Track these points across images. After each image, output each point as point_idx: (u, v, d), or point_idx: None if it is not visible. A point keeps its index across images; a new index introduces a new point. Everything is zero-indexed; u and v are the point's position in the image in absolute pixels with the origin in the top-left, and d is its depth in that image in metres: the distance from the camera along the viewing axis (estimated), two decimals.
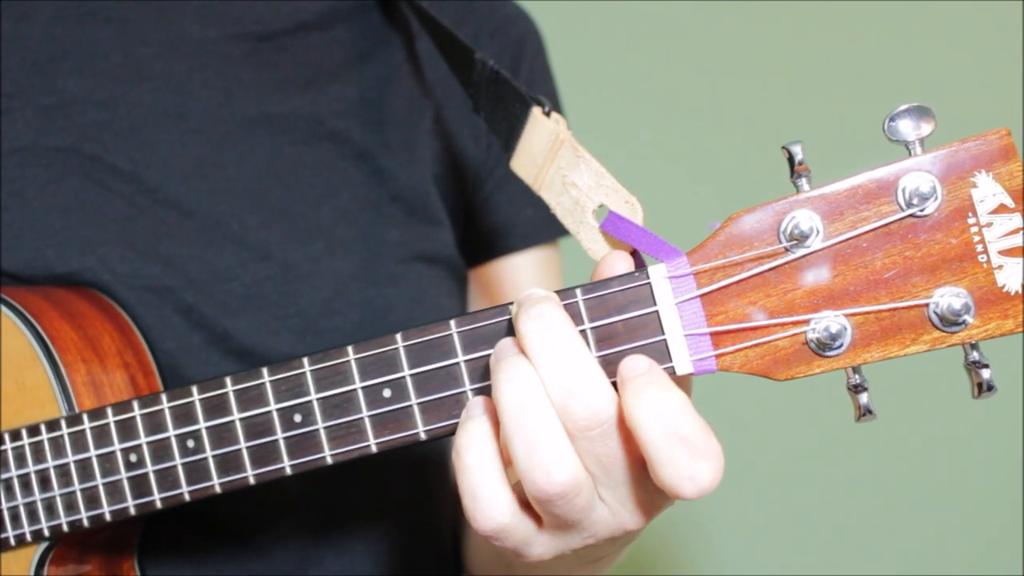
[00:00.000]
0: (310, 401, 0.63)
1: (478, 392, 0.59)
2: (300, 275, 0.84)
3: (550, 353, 0.53)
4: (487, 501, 0.55)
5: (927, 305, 0.54)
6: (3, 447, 0.72)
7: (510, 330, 0.59)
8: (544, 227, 0.96)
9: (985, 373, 0.55)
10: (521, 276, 0.97)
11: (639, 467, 0.55)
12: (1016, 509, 1.43)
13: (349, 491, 0.85)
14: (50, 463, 0.70)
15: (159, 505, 0.67)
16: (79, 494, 0.70)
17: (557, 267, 0.99)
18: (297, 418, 0.63)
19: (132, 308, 0.80)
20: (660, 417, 0.52)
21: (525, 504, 0.56)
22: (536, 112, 0.70)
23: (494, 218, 0.95)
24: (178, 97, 0.85)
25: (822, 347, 0.55)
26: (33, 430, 0.71)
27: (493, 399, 0.55)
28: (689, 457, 0.52)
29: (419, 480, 0.90)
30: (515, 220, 0.95)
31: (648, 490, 0.56)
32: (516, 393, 0.53)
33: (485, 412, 0.57)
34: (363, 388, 0.61)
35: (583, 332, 0.57)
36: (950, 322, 0.54)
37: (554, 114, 0.70)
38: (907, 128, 0.54)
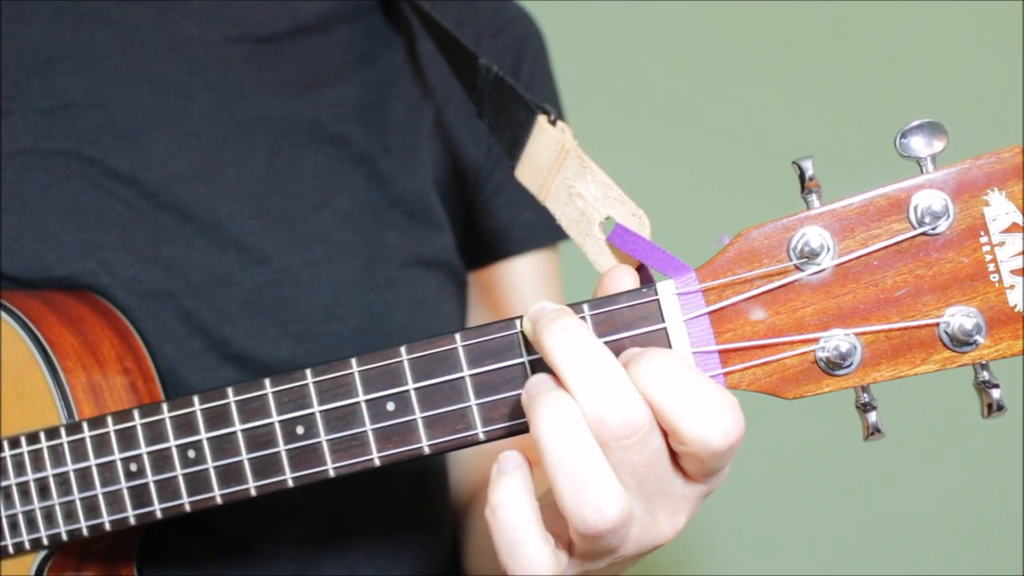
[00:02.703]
0: (313, 413, 0.62)
1: (482, 407, 0.59)
2: (299, 280, 0.84)
3: (580, 365, 0.52)
4: (529, 560, 0.54)
5: (938, 324, 0.54)
6: (2, 455, 0.72)
7: (515, 344, 0.58)
8: (543, 231, 0.95)
9: (995, 393, 0.54)
10: (520, 279, 0.96)
11: (671, 474, 0.54)
12: (1019, 516, 1.43)
13: (350, 499, 0.85)
14: (49, 471, 0.70)
15: (159, 515, 0.67)
16: (78, 503, 0.69)
17: (556, 271, 0.99)
18: (299, 430, 0.62)
19: (132, 312, 0.80)
20: (669, 376, 0.52)
21: (558, 538, 0.56)
22: (542, 120, 0.70)
23: (493, 221, 0.95)
24: (178, 100, 0.85)
25: (832, 366, 0.54)
26: (32, 438, 0.71)
27: (532, 436, 0.53)
28: (706, 406, 0.51)
29: (420, 488, 0.90)
30: (514, 223, 0.95)
31: (678, 496, 0.55)
32: (559, 431, 0.52)
33: (520, 467, 0.55)
34: (366, 401, 0.61)
35: None
36: (961, 342, 0.53)
37: (560, 123, 0.69)
38: (919, 145, 0.54)
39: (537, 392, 0.54)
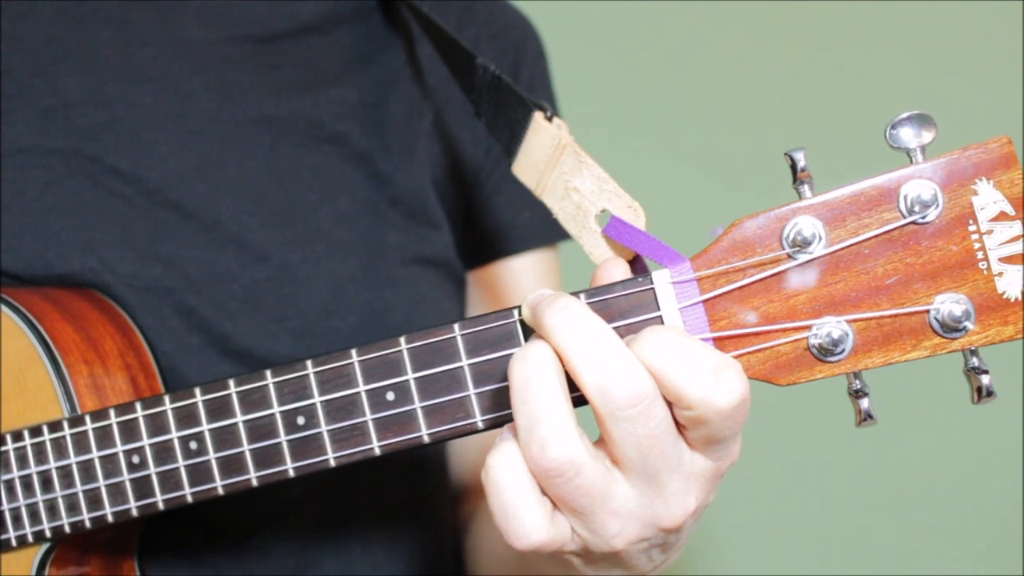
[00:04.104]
0: (313, 404, 0.63)
1: (481, 396, 0.60)
2: (299, 277, 0.84)
3: (582, 339, 0.53)
4: (521, 521, 0.55)
5: (928, 311, 0.55)
6: (5, 448, 0.72)
7: (514, 333, 0.59)
8: (543, 230, 0.96)
9: (985, 379, 0.55)
10: (520, 279, 0.97)
11: (678, 447, 0.55)
12: (1016, 510, 1.43)
13: (348, 492, 0.86)
14: (52, 464, 0.71)
15: (161, 507, 0.67)
16: (81, 495, 0.70)
17: (556, 270, 1.00)
18: (300, 420, 0.63)
19: (132, 309, 0.80)
20: (669, 345, 0.53)
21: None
22: (538, 117, 0.71)
23: (492, 221, 0.96)
24: (178, 98, 0.85)
25: (824, 352, 0.55)
26: (35, 431, 0.71)
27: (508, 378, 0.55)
28: (707, 368, 0.52)
29: (418, 481, 0.90)
30: (513, 223, 0.96)
31: (686, 473, 0.56)
32: (523, 369, 0.54)
33: None
34: (366, 391, 0.62)
35: None
36: (951, 328, 0.54)
37: (556, 119, 0.70)
38: (908, 136, 0.55)
39: (525, 344, 0.56)
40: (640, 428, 0.53)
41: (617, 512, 0.55)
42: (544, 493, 0.56)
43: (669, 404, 0.54)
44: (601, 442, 0.56)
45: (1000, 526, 1.45)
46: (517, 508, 0.55)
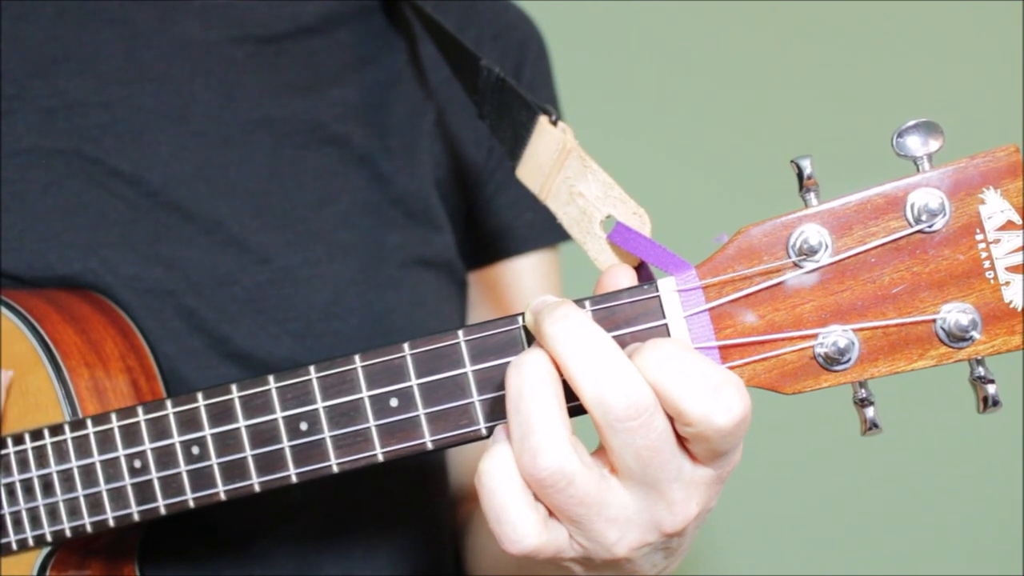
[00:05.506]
0: (316, 409, 0.63)
1: (485, 403, 0.60)
2: (299, 279, 0.84)
3: (582, 350, 0.53)
4: (513, 525, 0.54)
5: (934, 321, 0.54)
6: (5, 451, 0.72)
7: (518, 340, 0.59)
8: (544, 231, 0.96)
9: (990, 388, 0.55)
10: (521, 279, 0.97)
11: (678, 458, 0.55)
12: (1016, 511, 1.44)
13: (349, 497, 0.85)
14: (53, 468, 0.70)
15: (163, 512, 0.67)
16: (82, 499, 0.69)
17: (557, 271, 1.00)
18: (303, 426, 0.63)
19: (133, 311, 0.80)
20: (671, 359, 0.52)
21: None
22: (543, 121, 0.70)
23: (494, 221, 0.95)
24: (179, 99, 0.85)
25: (830, 362, 0.55)
26: (36, 434, 0.71)
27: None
28: (708, 386, 0.52)
29: (419, 486, 0.90)
30: (515, 224, 0.96)
31: (687, 481, 0.55)
32: (518, 377, 0.54)
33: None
34: (370, 397, 0.61)
35: None
36: (957, 338, 0.54)
37: (561, 123, 0.70)
38: (915, 144, 0.55)
39: (522, 352, 0.55)
40: (640, 440, 0.53)
41: (615, 520, 0.55)
42: (538, 499, 0.56)
43: (670, 416, 0.54)
44: (602, 450, 0.56)
45: (1001, 533, 1.45)
46: (509, 513, 0.54)
